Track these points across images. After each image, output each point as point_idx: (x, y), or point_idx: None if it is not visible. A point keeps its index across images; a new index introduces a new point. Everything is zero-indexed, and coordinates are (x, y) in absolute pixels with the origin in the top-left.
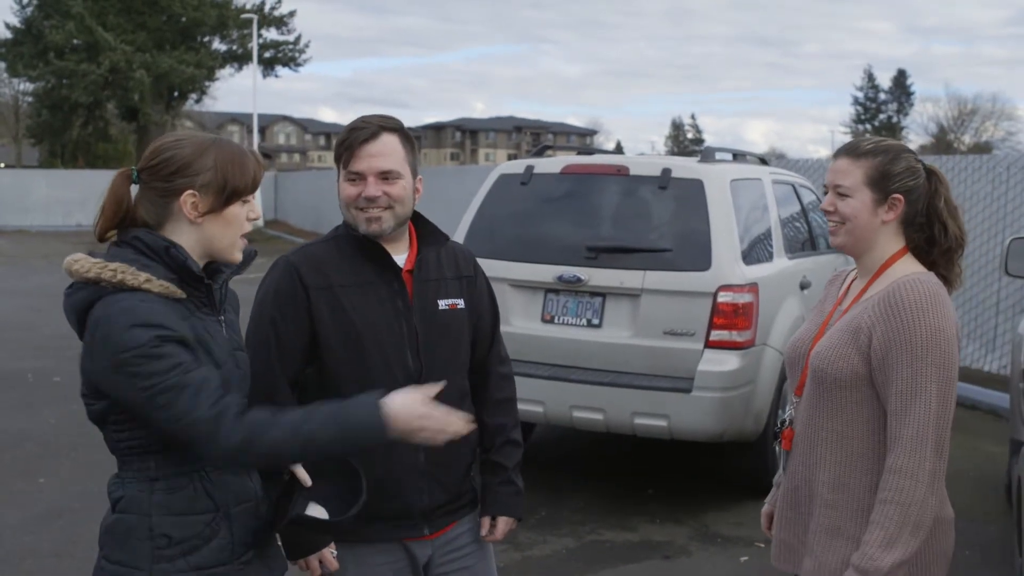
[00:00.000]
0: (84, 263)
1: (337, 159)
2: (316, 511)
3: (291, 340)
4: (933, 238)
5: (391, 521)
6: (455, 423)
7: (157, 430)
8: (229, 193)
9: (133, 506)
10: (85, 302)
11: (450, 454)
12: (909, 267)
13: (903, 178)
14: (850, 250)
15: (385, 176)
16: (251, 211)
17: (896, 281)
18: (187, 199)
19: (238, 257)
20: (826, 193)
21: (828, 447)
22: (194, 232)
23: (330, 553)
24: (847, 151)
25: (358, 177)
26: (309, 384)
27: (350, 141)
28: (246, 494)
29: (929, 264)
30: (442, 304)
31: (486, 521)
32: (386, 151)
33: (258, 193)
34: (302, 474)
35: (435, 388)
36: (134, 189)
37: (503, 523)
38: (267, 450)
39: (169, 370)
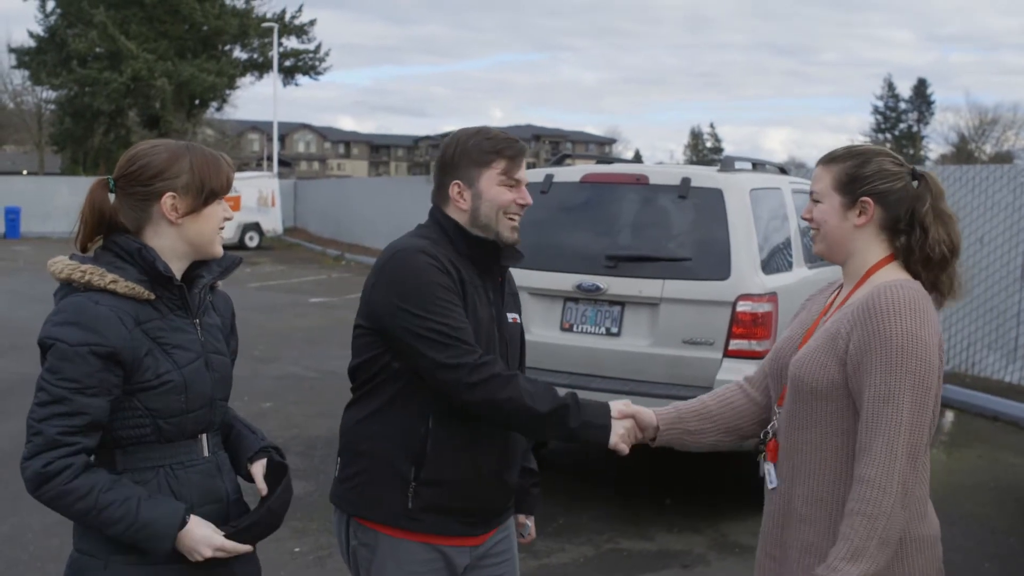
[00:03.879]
0: (60, 264)
1: (485, 164)
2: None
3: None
4: (911, 245)
5: (462, 517)
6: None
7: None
8: (208, 193)
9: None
10: (60, 301)
11: (516, 459)
12: (892, 274)
13: (873, 181)
14: (829, 257)
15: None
16: (226, 210)
17: (876, 287)
18: (167, 201)
19: (219, 251)
20: None
21: (804, 459)
22: (174, 232)
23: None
24: (822, 159)
25: (516, 184)
26: (414, 375)
27: (514, 151)
28: (214, 494)
29: (914, 274)
30: (509, 317)
31: (522, 519)
32: None
33: (279, 201)
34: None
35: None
36: (111, 198)
37: (533, 521)
38: (55, 495)
39: (67, 379)
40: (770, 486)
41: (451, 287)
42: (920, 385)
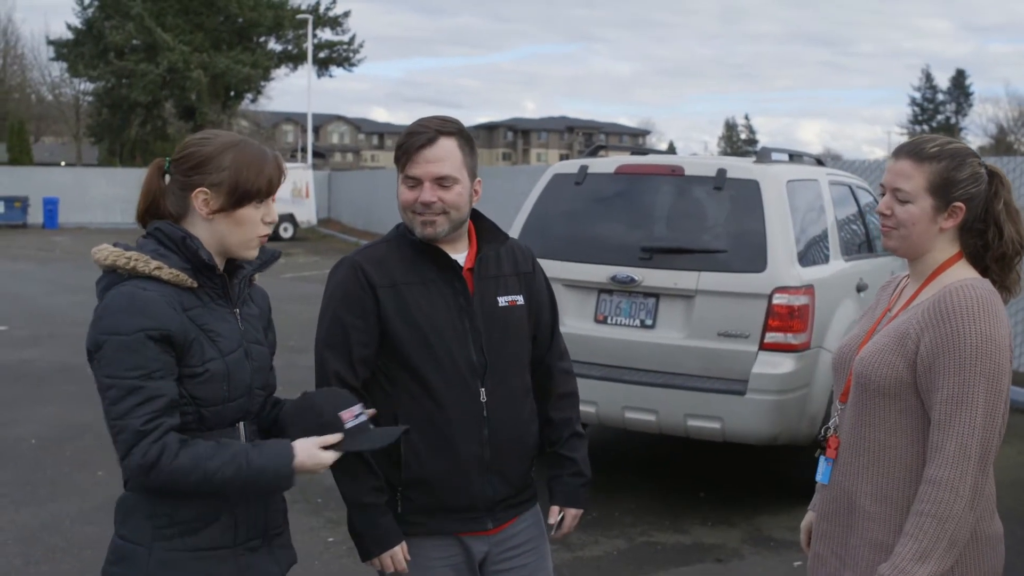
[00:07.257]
0: (104, 252)
1: (396, 162)
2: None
3: (362, 338)
4: (987, 242)
5: (455, 514)
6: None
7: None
8: (240, 195)
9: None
10: (104, 289)
11: (513, 449)
12: (962, 273)
13: (967, 185)
14: (903, 253)
15: (441, 182)
16: (267, 214)
17: (947, 287)
18: (199, 195)
19: (253, 255)
20: (883, 194)
21: (870, 457)
22: (207, 228)
23: (402, 551)
24: (910, 152)
25: (415, 182)
26: (380, 380)
27: (408, 146)
28: None
29: (983, 270)
30: (502, 301)
31: (555, 510)
32: (443, 156)
33: (313, 192)
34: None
35: (333, 439)
36: (167, 180)
37: (571, 515)
38: (167, 479)
39: (132, 368)
40: (824, 482)
41: (358, 294)
42: (993, 388)
